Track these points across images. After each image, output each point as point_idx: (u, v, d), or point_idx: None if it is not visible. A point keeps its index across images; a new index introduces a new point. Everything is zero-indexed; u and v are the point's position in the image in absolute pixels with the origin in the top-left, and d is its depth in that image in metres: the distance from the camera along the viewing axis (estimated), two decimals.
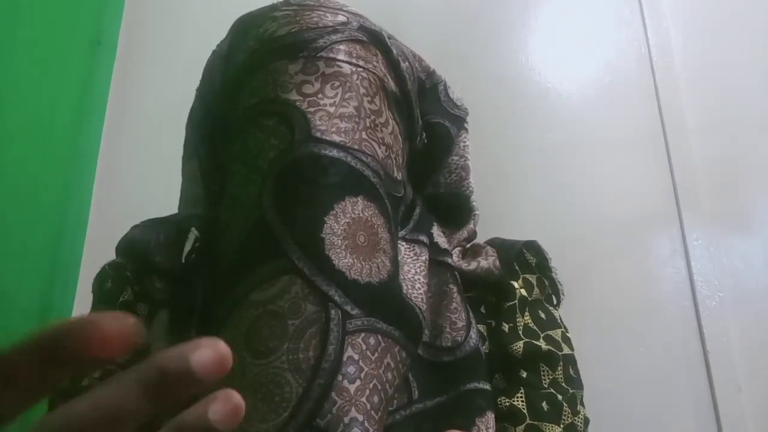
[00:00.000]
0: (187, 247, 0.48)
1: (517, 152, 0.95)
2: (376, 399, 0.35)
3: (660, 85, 0.96)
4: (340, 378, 0.34)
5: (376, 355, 0.36)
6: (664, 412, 0.81)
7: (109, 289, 0.46)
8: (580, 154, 0.94)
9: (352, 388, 0.34)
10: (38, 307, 0.90)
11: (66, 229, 0.96)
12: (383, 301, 0.38)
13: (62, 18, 0.97)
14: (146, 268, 0.46)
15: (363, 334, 0.36)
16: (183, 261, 0.46)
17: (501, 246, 0.54)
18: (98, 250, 0.98)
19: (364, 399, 0.34)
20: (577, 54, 1.00)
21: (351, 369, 0.35)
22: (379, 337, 0.37)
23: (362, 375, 0.35)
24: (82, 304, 0.95)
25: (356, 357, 0.35)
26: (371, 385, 0.35)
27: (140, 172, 1.03)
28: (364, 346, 0.36)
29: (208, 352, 0.17)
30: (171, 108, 1.06)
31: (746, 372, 0.82)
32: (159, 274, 0.46)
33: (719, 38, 1.00)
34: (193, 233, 0.48)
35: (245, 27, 0.46)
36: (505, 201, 0.93)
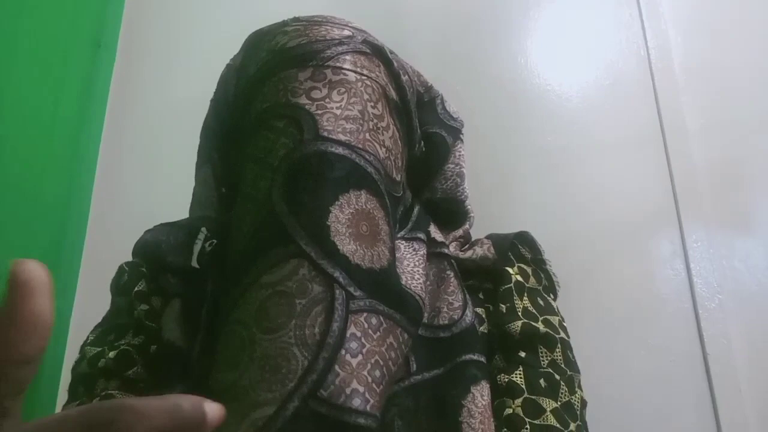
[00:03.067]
0: (197, 248, 0.49)
1: (516, 154, 0.96)
2: (377, 373, 0.37)
3: (659, 87, 0.96)
4: (343, 352, 0.36)
5: (378, 334, 0.38)
6: (664, 413, 0.81)
7: (126, 281, 0.50)
8: (580, 156, 0.94)
9: (354, 361, 0.36)
10: None
11: (67, 229, 0.96)
12: (384, 286, 0.40)
13: (63, 20, 0.98)
14: (160, 267, 0.49)
15: (365, 314, 0.38)
16: (196, 262, 0.48)
17: (496, 239, 0.56)
18: (98, 252, 0.98)
19: (365, 372, 0.36)
20: (577, 56, 1.01)
21: (353, 345, 0.37)
22: (381, 318, 0.39)
23: (364, 351, 0.37)
24: (81, 305, 0.95)
25: (359, 334, 0.37)
26: (373, 361, 0.37)
27: (140, 173, 1.03)
28: (366, 325, 0.38)
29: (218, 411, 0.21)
30: (170, 109, 1.06)
31: (746, 374, 0.82)
32: (172, 272, 0.48)
33: (718, 40, 1.00)
34: (203, 233, 0.50)
35: (257, 41, 0.50)
36: (505, 202, 0.93)
